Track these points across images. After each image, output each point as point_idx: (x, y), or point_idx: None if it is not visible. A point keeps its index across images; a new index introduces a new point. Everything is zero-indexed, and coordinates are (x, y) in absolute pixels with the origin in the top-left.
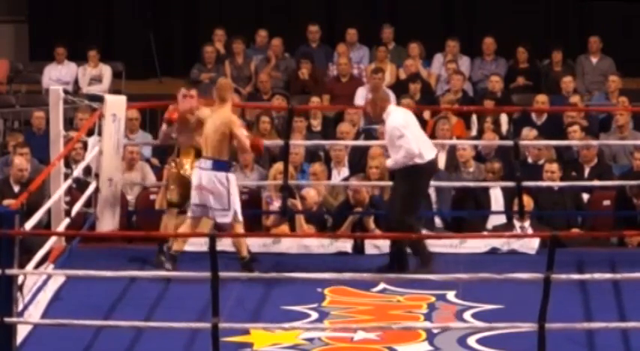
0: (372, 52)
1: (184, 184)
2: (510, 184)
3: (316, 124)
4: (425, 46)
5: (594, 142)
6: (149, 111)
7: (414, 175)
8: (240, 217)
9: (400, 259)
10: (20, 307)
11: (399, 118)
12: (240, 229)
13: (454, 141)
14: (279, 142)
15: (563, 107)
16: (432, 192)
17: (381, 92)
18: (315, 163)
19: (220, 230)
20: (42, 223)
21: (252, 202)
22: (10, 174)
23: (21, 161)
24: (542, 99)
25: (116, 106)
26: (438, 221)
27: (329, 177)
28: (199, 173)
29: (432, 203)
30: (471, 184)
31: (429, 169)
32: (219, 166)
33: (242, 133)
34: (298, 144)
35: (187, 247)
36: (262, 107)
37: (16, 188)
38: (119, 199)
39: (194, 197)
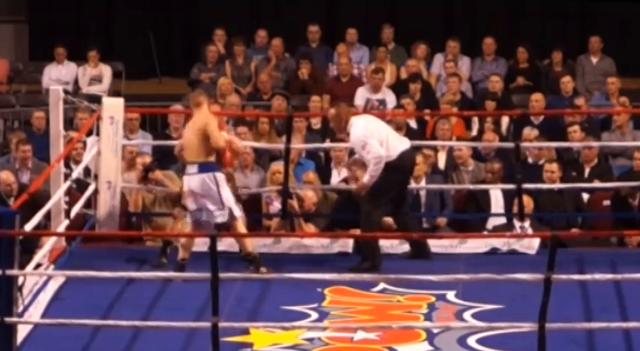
0: (372, 52)
1: None
2: (511, 186)
3: (316, 122)
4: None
5: (595, 144)
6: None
7: (385, 171)
8: (237, 213)
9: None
10: (20, 307)
11: (360, 128)
12: (240, 225)
13: (453, 143)
14: (280, 147)
15: (563, 111)
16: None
17: (343, 106)
18: (309, 172)
19: (220, 230)
20: (41, 224)
21: (251, 202)
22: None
23: (7, 176)
24: (536, 97)
25: (114, 108)
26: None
27: (329, 175)
28: (187, 180)
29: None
30: (471, 186)
31: (401, 162)
32: (206, 168)
33: (216, 132)
34: (299, 148)
35: None
36: (262, 115)
37: (11, 201)
38: (118, 202)
39: (191, 203)
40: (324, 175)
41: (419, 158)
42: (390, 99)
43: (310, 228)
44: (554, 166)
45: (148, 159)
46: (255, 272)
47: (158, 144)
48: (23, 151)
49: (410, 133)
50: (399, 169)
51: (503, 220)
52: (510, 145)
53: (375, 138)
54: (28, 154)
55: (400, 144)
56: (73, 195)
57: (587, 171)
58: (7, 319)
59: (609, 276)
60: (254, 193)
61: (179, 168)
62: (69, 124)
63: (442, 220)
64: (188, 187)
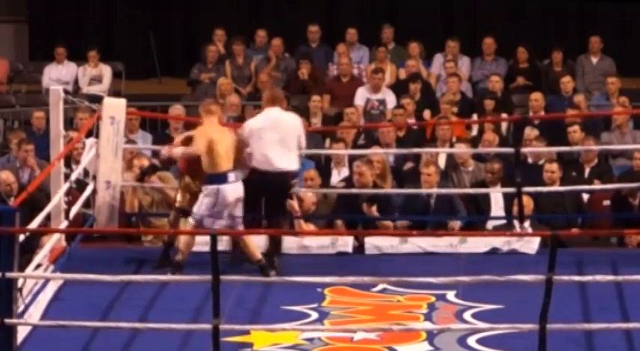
0: (372, 52)
1: (196, 194)
2: (511, 189)
3: (316, 122)
4: (425, 46)
5: (595, 148)
6: (149, 110)
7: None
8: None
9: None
10: (20, 307)
11: (255, 121)
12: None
13: (454, 150)
14: None
15: (563, 114)
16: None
17: (272, 93)
18: (310, 170)
19: None
20: (41, 225)
21: None
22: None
23: (7, 176)
24: (536, 97)
25: (115, 108)
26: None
27: (329, 176)
28: (232, 187)
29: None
30: (471, 190)
31: (258, 179)
32: (239, 176)
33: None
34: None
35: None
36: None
37: (11, 201)
38: (117, 202)
39: (224, 212)
40: (324, 175)
41: (431, 168)
42: (390, 99)
43: (310, 228)
44: (555, 166)
45: (145, 162)
46: (266, 276)
47: (158, 148)
48: (25, 150)
49: (410, 133)
50: (256, 183)
51: (503, 220)
52: (510, 150)
53: (251, 137)
54: (30, 153)
55: (271, 165)
56: (73, 195)
57: (587, 171)
58: (7, 321)
59: (610, 277)
60: None
61: (177, 169)
62: (69, 124)
63: (454, 224)
64: (236, 195)
